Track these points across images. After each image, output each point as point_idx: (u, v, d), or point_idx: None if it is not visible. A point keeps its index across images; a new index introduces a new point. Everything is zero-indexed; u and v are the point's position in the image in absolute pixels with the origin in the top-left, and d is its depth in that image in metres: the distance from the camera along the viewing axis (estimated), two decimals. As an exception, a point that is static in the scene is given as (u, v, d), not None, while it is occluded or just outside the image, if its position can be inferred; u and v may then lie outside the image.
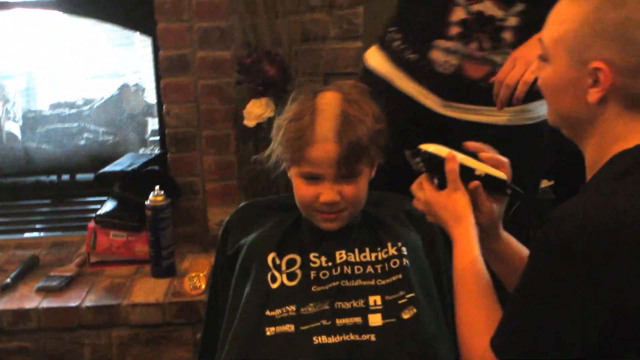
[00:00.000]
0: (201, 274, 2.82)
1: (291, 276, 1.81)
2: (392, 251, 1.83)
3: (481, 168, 1.64)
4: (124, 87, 3.70)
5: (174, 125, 3.06)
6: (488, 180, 1.64)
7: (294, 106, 1.81)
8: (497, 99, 1.94)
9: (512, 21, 2.00)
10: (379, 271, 1.81)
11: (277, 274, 1.81)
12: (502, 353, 1.40)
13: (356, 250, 1.84)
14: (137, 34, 3.43)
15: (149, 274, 2.93)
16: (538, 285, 1.38)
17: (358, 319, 1.75)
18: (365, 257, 1.83)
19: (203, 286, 2.77)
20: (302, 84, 1.86)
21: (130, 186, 3.07)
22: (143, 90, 3.68)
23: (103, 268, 3.00)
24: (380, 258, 1.83)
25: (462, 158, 1.63)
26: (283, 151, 1.82)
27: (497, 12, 1.99)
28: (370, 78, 2.16)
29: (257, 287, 1.80)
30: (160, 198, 2.87)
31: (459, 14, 2.00)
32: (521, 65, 1.88)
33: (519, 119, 2.09)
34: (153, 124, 3.62)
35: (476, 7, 1.99)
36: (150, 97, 3.58)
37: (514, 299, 1.42)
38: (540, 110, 2.09)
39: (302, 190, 1.80)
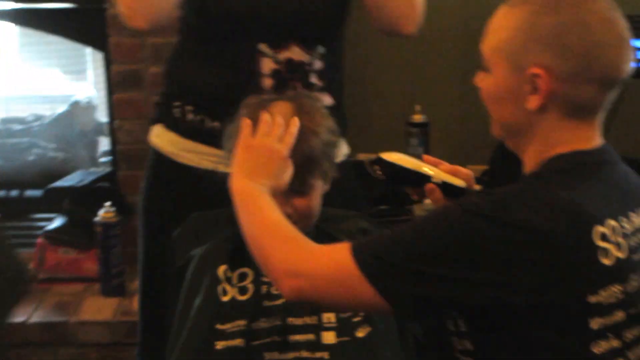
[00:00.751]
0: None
1: (242, 290, 1.77)
2: None
3: (439, 176, 1.64)
4: (75, 104, 3.67)
5: (125, 142, 3.03)
6: (447, 188, 1.64)
7: (245, 116, 1.76)
8: None
9: (317, 65, 1.96)
10: None
11: (228, 287, 1.77)
12: (362, 254, 1.39)
13: None
14: (90, 49, 3.41)
15: (98, 292, 2.89)
16: (436, 225, 1.38)
17: (311, 336, 1.73)
18: None
19: None
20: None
21: (80, 203, 3.04)
22: (95, 107, 3.65)
23: (51, 285, 2.96)
24: None
25: (420, 165, 1.64)
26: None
27: (304, 57, 1.94)
28: (167, 164, 2.05)
29: (208, 299, 1.76)
30: (110, 215, 2.84)
31: (268, 65, 1.92)
32: None
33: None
34: (104, 143, 3.58)
35: (284, 55, 1.92)
36: (102, 115, 3.55)
37: (403, 228, 1.41)
38: (343, 147, 2.07)
39: None
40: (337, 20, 1.98)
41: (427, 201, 2.82)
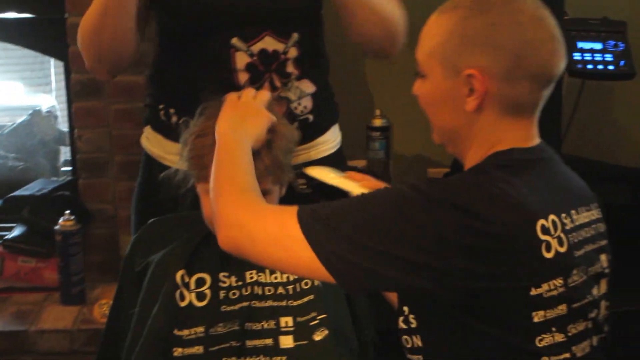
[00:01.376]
0: (111, 301, 2.73)
1: (200, 296, 1.76)
2: None
3: (357, 191, 1.64)
4: (35, 113, 3.64)
5: (85, 151, 3.00)
6: None
7: (201, 120, 1.76)
8: None
9: (293, 52, 1.93)
10: (291, 292, 1.78)
11: (185, 292, 1.76)
12: (307, 217, 1.39)
13: (267, 271, 1.80)
14: (51, 58, 3.39)
15: (58, 301, 2.86)
16: (382, 199, 1.39)
17: (269, 341, 1.73)
18: (276, 277, 1.80)
19: None
20: (212, 97, 1.80)
21: (40, 211, 3.00)
22: (55, 117, 3.63)
23: (10, 295, 2.92)
24: (291, 279, 1.80)
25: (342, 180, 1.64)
26: (190, 168, 1.77)
27: (278, 46, 1.91)
28: (155, 166, 2.04)
29: (166, 305, 1.75)
30: (70, 223, 2.81)
31: (242, 59, 1.90)
32: None
33: (322, 152, 2.04)
34: (65, 152, 3.56)
35: (257, 47, 1.90)
36: (63, 124, 3.53)
37: (353, 198, 1.43)
38: (335, 135, 2.10)
39: (209, 208, 1.74)
40: (310, 5, 1.95)
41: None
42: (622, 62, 2.70)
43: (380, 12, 1.91)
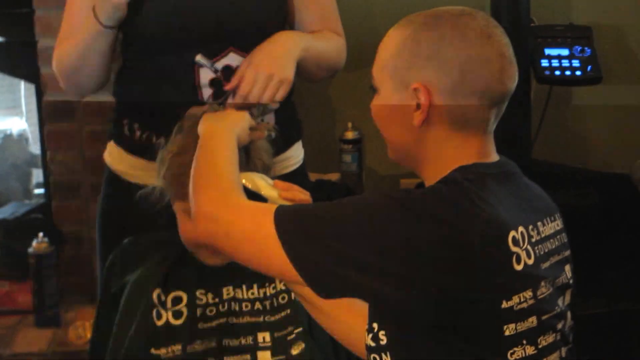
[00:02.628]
0: (87, 323, 2.75)
1: (177, 314, 1.74)
2: (280, 286, 1.78)
3: (275, 201, 1.60)
4: (7, 137, 3.63)
5: (58, 173, 3.00)
6: None
7: (178, 139, 1.74)
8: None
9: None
10: (268, 307, 1.76)
11: (162, 311, 1.74)
12: (283, 218, 1.36)
13: (244, 287, 1.77)
14: (22, 81, 3.36)
15: (33, 324, 2.85)
16: (357, 206, 1.36)
17: (247, 356, 1.70)
18: (253, 293, 1.77)
19: (88, 335, 2.68)
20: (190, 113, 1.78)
21: (13, 234, 3.00)
22: (27, 139, 3.60)
23: None
24: (268, 294, 1.77)
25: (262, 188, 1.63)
26: (166, 186, 1.75)
27: (241, 61, 1.90)
28: (118, 182, 2.02)
29: (142, 324, 1.72)
30: (44, 245, 2.81)
31: (206, 75, 1.89)
32: (263, 83, 1.83)
33: (285, 167, 2.02)
34: (37, 175, 3.53)
35: (222, 62, 1.89)
36: (35, 147, 3.51)
37: (331, 203, 1.40)
38: (299, 152, 2.09)
39: (187, 226, 1.73)
40: (272, 22, 1.94)
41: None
42: (589, 67, 2.72)
43: (328, 61, 2.02)
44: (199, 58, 1.86)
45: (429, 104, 1.38)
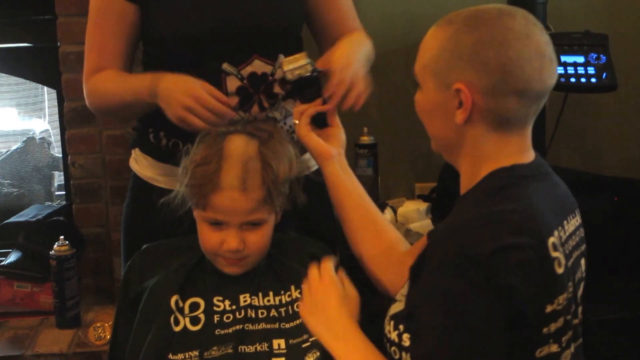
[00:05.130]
0: (106, 324, 2.75)
1: (194, 320, 1.73)
2: (296, 294, 1.77)
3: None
4: (29, 140, 3.65)
5: (79, 177, 2.99)
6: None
7: (201, 149, 1.73)
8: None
9: (279, 73, 1.92)
10: (283, 315, 1.75)
11: (180, 317, 1.72)
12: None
13: (260, 294, 1.77)
14: (45, 87, 3.39)
15: (54, 325, 2.85)
16: (445, 298, 1.34)
17: None
18: (269, 300, 1.76)
19: (108, 336, 2.69)
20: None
21: (35, 237, 3.00)
22: (49, 143, 3.61)
23: (6, 320, 2.91)
24: (284, 301, 1.77)
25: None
26: (188, 195, 1.74)
27: (266, 68, 1.90)
28: (144, 188, 2.01)
29: (160, 330, 1.71)
30: (64, 248, 2.81)
31: (233, 83, 1.88)
32: (353, 92, 1.83)
33: (308, 168, 2.01)
34: (59, 177, 3.56)
35: (247, 70, 1.89)
36: (57, 150, 3.54)
37: (425, 310, 1.37)
38: None
39: (206, 235, 1.73)
40: (293, 28, 1.96)
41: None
42: (604, 75, 2.71)
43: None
44: (225, 66, 1.86)
45: (471, 104, 1.40)
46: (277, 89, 1.92)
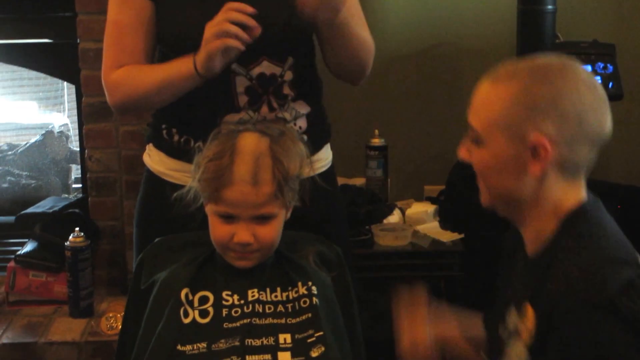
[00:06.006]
0: (118, 315, 2.76)
1: (203, 313, 1.75)
2: (303, 290, 1.78)
3: None
4: (48, 134, 3.67)
5: (95, 170, 3.01)
6: None
7: (214, 145, 1.76)
8: None
9: (289, 75, 1.93)
10: (290, 310, 1.77)
11: (189, 309, 1.75)
12: None
13: (268, 290, 1.79)
14: (65, 82, 3.42)
15: (67, 314, 2.86)
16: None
17: (268, 356, 1.70)
18: (276, 296, 1.78)
19: (119, 326, 2.67)
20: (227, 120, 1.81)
21: (51, 228, 3.01)
22: (67, 137, 3.64)
23: (21, 307, 2.93)
24: (291, 297, 1.78)
25: None
26: (201, 189, 1.77)
27: (275, 69, 1.91)
28: (157, 182, 2.02)
29: (170, 321, 1.73)
30: (79, 239, 2.82)
31: (242, 83, 1.90)
32: None
33: (316, 169, 1.99)
34: (76, 170, 3.59)
35: (256, 71, 1.89)
36: (75, 144, 3.56)
37: None
38: (328, 154, 2.08)
39: (217, 229, 1.76)
40: (304, 32, 1.95)
41: (385, 220, 2.82)
42: (610, 84, 2.72)
43: (358, 47, 1.94)
44: (234, 67, 1.87)
45: (550, 155, 1.41)
46: (286, 90, 1.93)
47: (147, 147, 2.09)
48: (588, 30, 2.99)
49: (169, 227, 1.93)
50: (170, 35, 1.92)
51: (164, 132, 1.99)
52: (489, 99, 1.46)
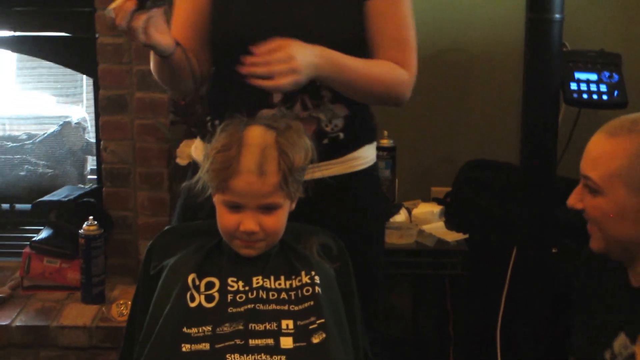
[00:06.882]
0: (129, 302, 2.72)
1: (209, 298, 1.79)
2: (306, 279, 1.82)
3: None
4: (65, 125, 3.67)
5: (110, 161, 3.05)
6: None
7: (222, 137, 1.81)
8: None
9: None
10: (292, 298, 1.81)
11: (195, 294, 1.79)
12: None
13: (272, 277, 1.83)
14: (84, 75, 3.45)
15: (79, 299, 2.90)
16: None
17: (270, 341, 1.74)
18: (280, 284, 1.83)
19: None
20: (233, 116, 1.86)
21: (66, 216, 3.04)
22: (84, 128, 3.67)
23: (35, 292, 2.97)
24: (294, 286, 1.82)
25: None
26: (209, 179, 1.81)
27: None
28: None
29: (177, 305, 1.78)
30: (93, 228, 2.85)
31: None
32: (281, 63, 1.76)
33: (353, 167, 2.06)
34: (92, 161, 3.60)
35: None
36: (91, 136, 3.57)
37: None
38: (369, 153, 2.10)
39: (224, 218, 1.80)
40: (346, 39, 1.95)
41: (392, 219, 2.85)
42: (615, 93, 2.73)
43: (366, 88, 1.94)
44: None
45: None
46: (324, 92, 1.95)
47: (195, 141, 2.15)
48: (595, 39, 3.00)
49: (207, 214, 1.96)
50: (210, 37, 1.98)
51: (209, 124, 2.05)
52: (607, 151, 1.54)
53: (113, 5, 1.72)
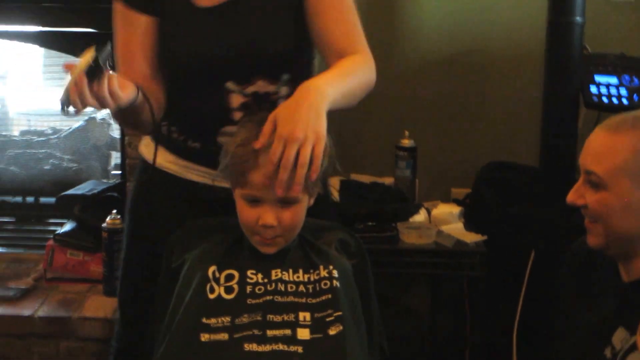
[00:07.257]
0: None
1: (229, 290, 1.81)
2: (324, 273, 1.84)
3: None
4: (90, 120, 3.70)
5: (134, 157, 3.04)
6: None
7: (242, 132, 1.83)
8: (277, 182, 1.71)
9: (284, 91, 1.97)
10: (310, 291, 1.83)
11: (215, 285, 1.81)
12: None
13: (290, 271, 1.85)
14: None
15: (101, 292, 2.92)
16: None
17: (287, 331, 1.76)
18: (298, 277, 1.85)
19: None
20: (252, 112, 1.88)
21: (90, 209, 3.07)
22: (109, 124, 3.69)
23: (58, 284, 3.00)
24: (312, 279, 1.84)
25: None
26: (229, 174, 1.84)
27: (269, 88, 1.96)
28: (149, 171, 2.07)
29: (197, 296, 1.80)
30: (116, 222, 2.87)
31: (237, 100, 1.95)
32: (293, 146, 1.66)
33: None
34: (116, 157, 3.63)
35: (250, 89, 1.95)
36: (115, 131, 3.60)
37: None
38: None
39: (244, 212, 1.82)
40: (297, 49, 1.98)
41: (411, 219, 2.87)
42: (635, 97, 2.74)
43: (359, 93, 1.92)
44: (230, 85, 1.94)
45: None
46: (280, 102, 1.95)
47: (144, 138, 2.14)
48: (615, 43, 3.01)
49: (160, 212, 2.03)
50: (168, 55, 1.97)
51: (164, 128, 2.05)
52: (611, 147, 1.57)
53: (63, 96, 1.66)
